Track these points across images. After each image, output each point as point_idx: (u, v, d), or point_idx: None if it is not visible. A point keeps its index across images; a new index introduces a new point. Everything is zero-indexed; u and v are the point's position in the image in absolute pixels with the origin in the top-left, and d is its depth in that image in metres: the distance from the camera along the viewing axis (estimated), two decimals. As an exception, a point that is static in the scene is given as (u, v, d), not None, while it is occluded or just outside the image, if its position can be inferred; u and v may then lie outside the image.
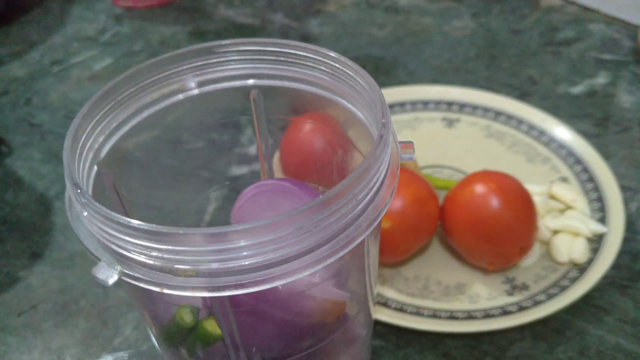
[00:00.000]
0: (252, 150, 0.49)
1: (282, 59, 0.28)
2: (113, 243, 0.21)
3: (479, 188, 0.39)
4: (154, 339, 0.30)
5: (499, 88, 0.58)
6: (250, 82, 0.29)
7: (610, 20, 0.67)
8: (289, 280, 0.20)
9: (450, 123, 0.53)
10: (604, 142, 0.51)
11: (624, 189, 0.45)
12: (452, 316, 0.37)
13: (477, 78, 0.60)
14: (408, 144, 0.25)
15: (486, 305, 0.38)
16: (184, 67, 0.28)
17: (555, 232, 0.42)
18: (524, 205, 0.39)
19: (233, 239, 0.19)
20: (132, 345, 0.38)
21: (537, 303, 0.38)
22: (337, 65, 0.26)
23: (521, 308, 0.37)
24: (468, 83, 0.58)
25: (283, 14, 0.72)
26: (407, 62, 0.63)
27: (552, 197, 0.44)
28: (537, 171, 0.48)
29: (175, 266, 0.20)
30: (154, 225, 0.19)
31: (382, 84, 0.57)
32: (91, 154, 0.25)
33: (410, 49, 0.65)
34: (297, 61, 0.28)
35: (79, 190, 0.21)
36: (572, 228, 0.41)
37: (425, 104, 0.54)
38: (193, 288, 0.20)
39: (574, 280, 0.38)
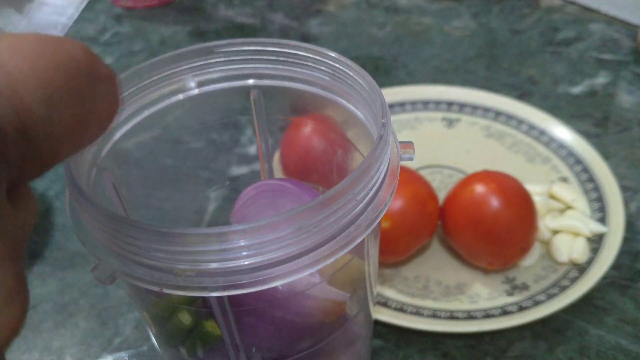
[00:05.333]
0: (252, 150, 0.49)
1: (282, 59, 0.28)
2: (113, 243, 0.21)
3: (479, 188, 0.39)
4: (154, 339, 0.30)
5: (499, 88, 0.58)
6: (250, 82, 0.29)
7: (610, 20, 0.67)
8: (288, 280, 0.20)
9: (450, 123, 0.53)
10: (604, 142, 0.51)
11: (624, 189, 0.45)
12: (452, 316, 0.37)
13: (477, 78, 0.60)
14: (408, 144, 0.25)
15: (486, 305, 0.38)
16: (184, 67, 0.28)
17: (555, 232, 0.42)
18: (524, 205, 0.39)
19: (233, 239, 0.19)
20: (132, 345, 0.38)
21: (537, 303, 0.38)
22: (337, 65, 0.26)
23: (521, 308, 0.37)
24: (468, 83, 0.58)
25: (283, 14, 0.72)
26: (407, 62, 0.63)
27: (552, 197, 0.44)
28: (537, 171, 0.48)
29: (175, 266, 0.20)
30: (154, 225, 0.19)
31: (382, 84, 0.57)
32: (91, 154, 0.25)
33: (410, 49, 0.65)
34: (297, 61, 0.28)
35: (79, 191, 0.21)
36: (572, 228, 0.41)
37: (425, 104, 0.54)
38: (193, 288, 0.20)
39: (574, 280, 0.38)
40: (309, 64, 0.27)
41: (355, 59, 0.27)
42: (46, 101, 0.13)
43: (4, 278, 0.12)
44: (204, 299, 0.25)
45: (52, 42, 0.13)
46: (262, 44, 0.28)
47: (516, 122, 0.51)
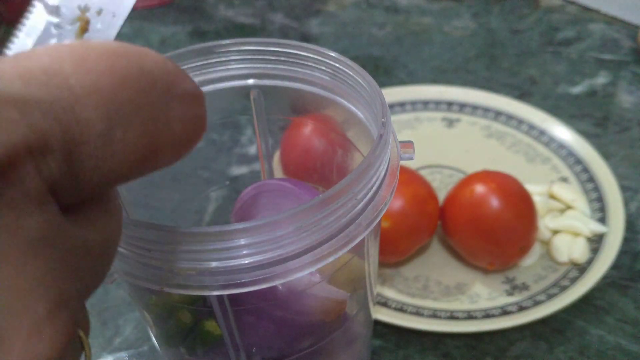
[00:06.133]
0: (252, 150, 0.49)
1: (282, 59, 0.28)
2: (113, 242, 0.21)
3: (479, 188, 0.39)
4: (154, 339, 0.30)
5: (499, 88, 0.58)
6: (250, 82, 0.29)
7: (610, 20, 0.67)
8: (288, 279, 0.20)
9: (450, 123, 0.53)
10: (604, 142, 0.51)
11: (624, 189, 0.45)
12: (452, 316, 0.37)
13: (477, 78, 0.60)
14: (408, 144, 0.25)
15: (486, 305, 0.38)
16: (184, 67, 0.28)
17: (555, 232, 0.42)
18: (524, 205, 0.39)
19: (233, 238, 0.19)
20: (132, 345, 0.38)
21: (537, 303, 0.38)
22: (337, 65, 0.26)
23: (521, 308, 0.37)
24: (468, 83, 0.58)
25: (283, 14, 0.72)
26: (407, 62, 0.63)
27: (552, 197, 0.44)
28: (537, 171, 0.48)
29: (176, 265, 0.20)
30: (154, 224, 0.19)
31: (382, 84, 0.57)
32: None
33: (410, 49, 0.65)
34: (297, 61, 0.28)
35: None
36: (572, 228, 0.41)
37: (425, 104, 0.54)
38: (193, 287, 0.20)
39: (574, 280, 0.38)
40: (309, 64, 0.28)
41: (355, 59, 0.27)
42: (108, 117, 0.12)
43: (34, 304, 0.11)
44: (204, 298, 0.25)
45: (125, 54, 0.12)
46: (262, 44, 0.28)
47: (516, 122, 0.51)
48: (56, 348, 0.11)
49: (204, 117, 0.14)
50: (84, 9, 0.17)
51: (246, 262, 0.19)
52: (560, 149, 0.48)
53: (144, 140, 0.13)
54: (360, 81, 0.25)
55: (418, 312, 0.38)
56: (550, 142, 0.49)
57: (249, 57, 0.28)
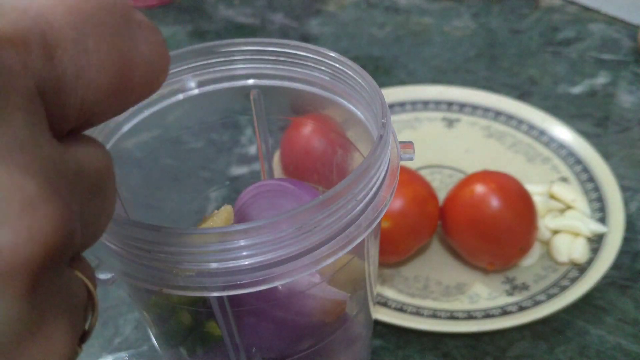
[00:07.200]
0: (252, 150, 0.49)
1: (282, 59, 0.28)
2: (113, 243, 0.21)
3: (479, 188, 0.39)
4: (154, 339, 0.30)
5: (499, 88, 0.58)
6: (250, 82, 0.29)
7: (610, 20, 0.67)
8: (288, 280, 0.20)
9: (450, 123, 0.53)
10: (604, 142, 0.51)
11: (624, 189, 0.45)
12: (452, 316, 0.37)
13: (477, 78, 0.60)
14: (408, 144, 0.25)
15: (486, 305, 0.38)
16: (184, 67, 0.28)
17: (555, 232, 0.42)
18: (524, 205, 0.39)
19: (233, 239, 0.19)
20: (132, 345, 0.38)
21: (537, 303, 0.38)
22: (337, 65, 0.26)
23: (521, 308, 0.37)
24: (468, 83, 0.58)
25: (283, 14, 0.72)
26: (407, 62, 0.63)
27: (552, 197, 0.44)
28: (537, 171, 0.48)
29: (175, 266, 0.20)
30: (154, 225, 0.19)
31: (382, 84, 0.57)
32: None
33: (410, 49, 0.65)
34: (297, 61, 0.28)
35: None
36: (572, 228, 0.41)
37: (425, 104, 0.54)
38: (192, 288, 0.20)
39: (574, 280, 0.38)
40: (309, 64, 0.27)
41: (355, 59, 0.27)
42: (76, 26, 0.12)
43: (24, 182, 0.10)
44: (204, 299, 0.25)
45: None
46: (262, 44, 0.28)
47: (516, 122, 0.51)
48: (53, 226, 0.11)
49: (165, 44, 0.15)
50: None
51: (246, 263, 0.19)
52: (560, 149, 0.48)
53: (115, 53, 0.13)
54: (360, 81, 0.25)
55: (418, 312, 0.38)
56: (550, 142, 0.49)
57: (249, 57, 0.28)
